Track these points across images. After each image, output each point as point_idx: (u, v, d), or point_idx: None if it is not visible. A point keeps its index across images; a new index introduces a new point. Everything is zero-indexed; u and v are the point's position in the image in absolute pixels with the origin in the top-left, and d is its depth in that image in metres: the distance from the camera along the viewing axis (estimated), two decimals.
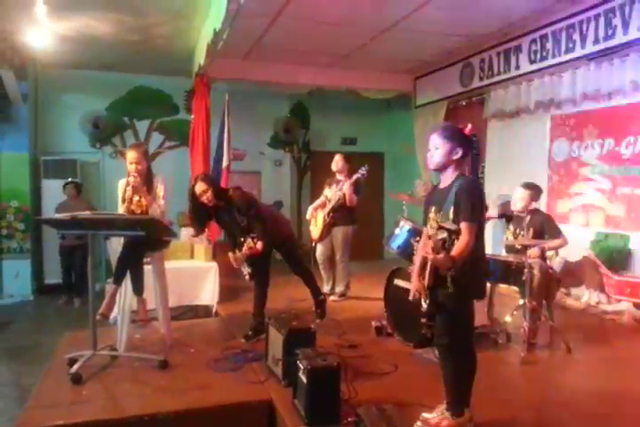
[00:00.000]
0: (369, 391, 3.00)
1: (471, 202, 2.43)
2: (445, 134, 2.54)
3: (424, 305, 2.43)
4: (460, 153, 2.52)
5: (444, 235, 2.32)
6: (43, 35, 5.54)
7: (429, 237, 2.40)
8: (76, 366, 3.24)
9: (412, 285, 2.57)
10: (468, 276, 2.43)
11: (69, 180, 6.68)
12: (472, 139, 2.58)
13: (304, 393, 2.66)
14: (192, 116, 6.74)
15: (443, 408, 2.61)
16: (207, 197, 3.88)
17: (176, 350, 3.84)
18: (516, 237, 4.10)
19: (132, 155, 3.76)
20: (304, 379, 2.67)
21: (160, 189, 3.81)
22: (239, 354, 3.69)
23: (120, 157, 7.66)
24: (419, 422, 2.40)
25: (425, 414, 2.67)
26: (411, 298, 2.59)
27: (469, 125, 2.63)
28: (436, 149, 2.54)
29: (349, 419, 2.43)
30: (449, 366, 2.58)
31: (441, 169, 2.59)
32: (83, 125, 7.51)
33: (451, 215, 2.46)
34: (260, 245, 3.87)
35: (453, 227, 2.37)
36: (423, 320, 2.44)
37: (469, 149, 2.57)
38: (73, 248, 6.50)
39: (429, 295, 2.41)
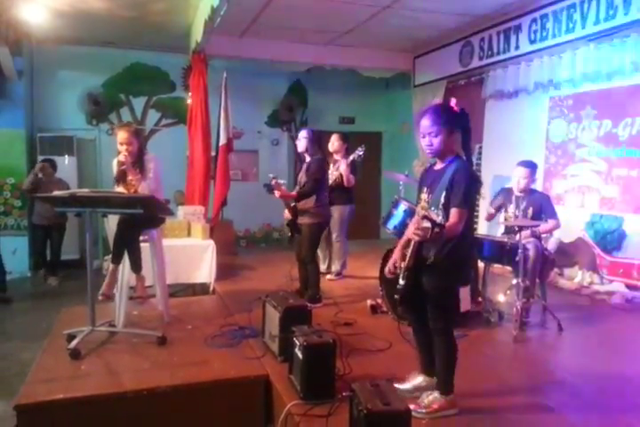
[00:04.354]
0: (363, 368, 3.05)
1: (465, 188, 2.39)
2: (441, 120, 2.46)
3: (401, 283, 2.45)
4: (458, 135, 2.50)
5: (428, 224, 2.25)
6: (37, 9, 5.48)
7: (418, 220, 2.37)
8: (74, 342, 3.25)
9: (393, 255, 2.64)
10: (452, 263, 2.44)
11: (43, 158, 6.61)
12: (463, 113, 2.51)
13: (300, 369, 2.69)
14: (189, 94, 6.68)
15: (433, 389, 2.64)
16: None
17: (174, 327, 3.86)
18: (516, 217, 4.13)
19: (121, 135, 3.69)
20: (300, 355, 2.70)
21: (150, 170, 3.76)
22: (236, 331, 3.71)
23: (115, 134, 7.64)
24: (412, 406, 2.38)
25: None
26: (385, 270, 2.65)
27: (453, 100, 2.57)
28: (436, 136, 2.47)
29: (344, 394, 2.37)
30: (443, 348, 2.60)
31: (441, 155, 2.54)
32: (81, 102, 7.45)
33: (442, 200, 2.44)
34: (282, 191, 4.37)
35: (439, 220, 2.31)
36: (396, 297, 2.46)
37: (463, 126, 2.53)
38: (47, 227, 6.50)
39: (407, 276, 2.43)
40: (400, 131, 8.44)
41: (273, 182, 4.39)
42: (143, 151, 3.83)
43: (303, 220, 4.42)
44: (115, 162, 3.80)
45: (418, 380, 2.78)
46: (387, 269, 2.66)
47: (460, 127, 2.51)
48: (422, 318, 2.67)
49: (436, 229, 2.25)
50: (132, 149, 3.69)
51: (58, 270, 6.62)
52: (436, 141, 2.48)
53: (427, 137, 2.51)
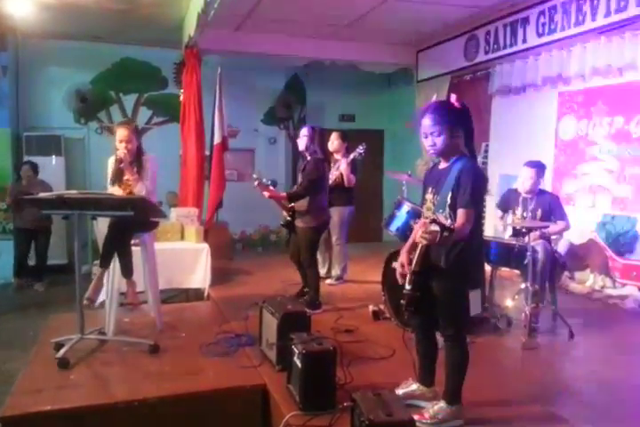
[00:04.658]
0: (365, 376, 3.00)
1: (472, 188, 2.35)
2: (442, 118, 2.41)
3: (407, 287, 2.41)
4: (461, 133, 2.45)
5: (436, 228, 2.19)
6: (22, 2, 5.48)
7: (425, 223, 2.31)
8: (62, 351, 3.21)
9: (399, 258, 2.56)
10: (462, 265, 2.40)
11: (25, 160, 6.56)
12: (464, 110, 2.47)
13: (298, 378, 2.66)
14: (182, 91, 6.61)
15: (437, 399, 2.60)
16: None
17: (167, 335, 3.82)
18: (524, 219, 4.10)
19: (121, 133, 3.67)
20: (299, 364, 2.66)
21: (147, 170, 3.73)
22: (232, 338, 3.66)
23: (106, 132, 7.50)
24: (416, 416, 2.37)
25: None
26: (397, 267, 2.58)
27: (453, 95, 2.55)
28: (438, 136, 2.42)
29: (345, 404, 2.38)
30: (453, 355, 2.55)
31: (445, 154, 2.50)
32: (68, 100, 7.33)
33: (448, 200, 2.39)
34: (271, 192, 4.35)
35: (448, 223, 2.24)
36: (402, 302, 2.42)
37: (465, 123, 2.49)
38: (32, 231, 6.37)
39: (414, 280, 2.39)
40: (403, 129, 8.32)
41: (256, 184, 4.33)
42: (142, 150, 3.80)
43: (299, 223, 4.35)
44: (111, 160, 3.79)
45: (411, 387, 2.75)
46: (398, 275, 2.57)
47: (463, 124, 2.47)
48: (427, 325, 2.64)
49: (446, 233, 2.20)
50: (131, 146, 3.69)
51: (44, 276, 6.49)
52: (439, 141, 2.44)
53: (429, 137, 2.46)
